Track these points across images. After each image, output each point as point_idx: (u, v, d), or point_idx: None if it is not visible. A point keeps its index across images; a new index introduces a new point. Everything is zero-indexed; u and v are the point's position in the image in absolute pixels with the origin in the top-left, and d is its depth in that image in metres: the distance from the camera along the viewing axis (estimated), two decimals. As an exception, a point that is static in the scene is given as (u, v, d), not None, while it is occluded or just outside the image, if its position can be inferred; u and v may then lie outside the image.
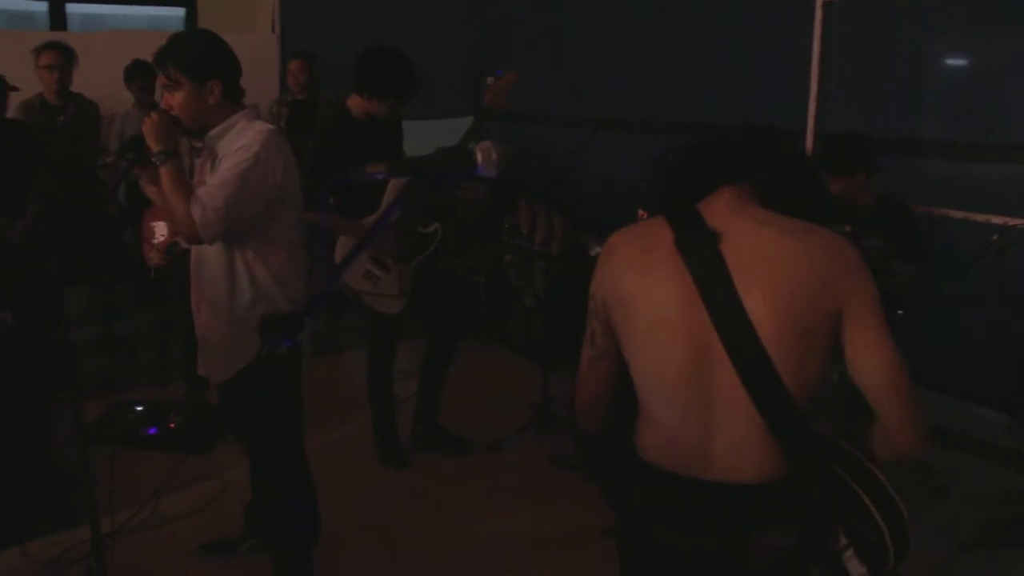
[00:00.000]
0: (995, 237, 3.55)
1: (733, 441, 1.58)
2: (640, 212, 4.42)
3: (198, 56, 2.65)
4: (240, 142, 2.66)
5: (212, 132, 2.74)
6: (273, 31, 7.31)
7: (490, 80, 4.00)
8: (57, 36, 5.84)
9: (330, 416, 4.56)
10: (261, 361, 2.60)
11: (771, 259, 1.54)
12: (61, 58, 5.04)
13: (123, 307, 5.76)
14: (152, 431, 4.34)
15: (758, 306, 1.52)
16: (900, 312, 3.70)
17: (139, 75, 5.70)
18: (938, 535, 3.53)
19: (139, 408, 4.53)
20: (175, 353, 5.03)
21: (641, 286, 1.59)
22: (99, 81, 5.74)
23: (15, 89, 4.66)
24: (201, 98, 2.66)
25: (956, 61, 4.47)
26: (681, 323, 1.56)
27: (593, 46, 6.00)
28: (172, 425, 4.38)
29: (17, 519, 3.49)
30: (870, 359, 1.55)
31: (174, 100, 2.67)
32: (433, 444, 4.33)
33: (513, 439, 4.42)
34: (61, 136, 5.14)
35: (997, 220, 4.12)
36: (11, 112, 5.00)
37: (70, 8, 7.46)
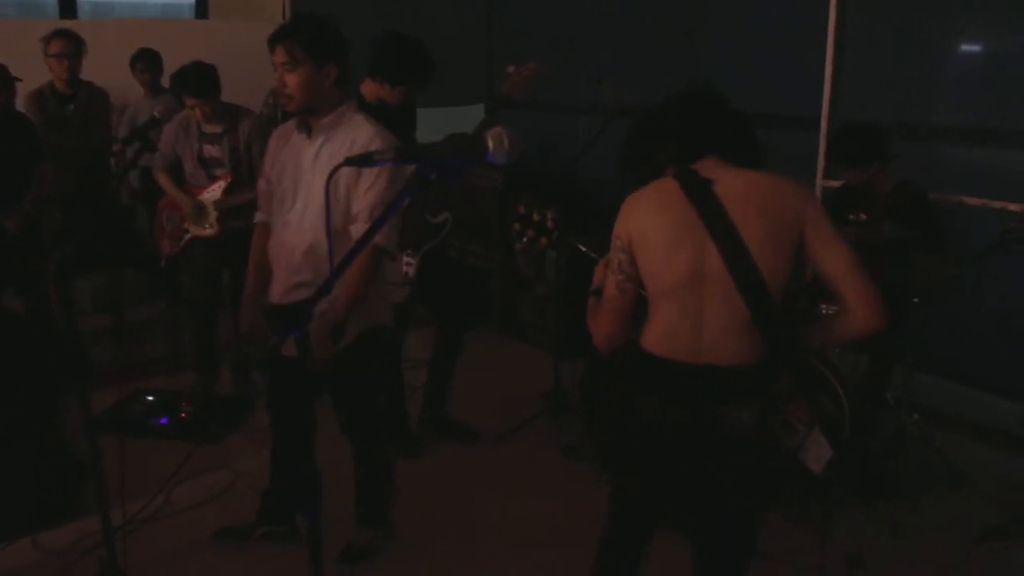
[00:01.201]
0: (1012, 225, 3.50)
1: (719, 330, 2.08)
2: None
3: (322, 38, 2.72)
4: (362, 136, 2.78)
5: (324, 120, 2.81)
6: (284, 18, 7.28)
7: (511, 69, 3.97)
8: (67, 24, 5.82)
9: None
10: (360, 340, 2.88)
11: (752, 193, 2.07)
12: (70, 46, 5.02)
13: (133, 296, 5.76)
14: (163, 420, 4.34)
15: (746, 227, 2.03)
16: (916, 300, 3.66)
17: (143, 60, 5.72)
18: (955, 525, 3.51)
19: (150, 397, 4.54)
20: (185, 342, 5.02)
21: (658, 220, 2.10)
22: (109, 69, 5.72)
23: (18, 80, 4.64)
24: (318, 80, 2.74)
25: (971, 46, 4.40)
26: (686, 242, 2.07)
27: (608, 33, 5.95)
28: (183, 415, 4.38)
29: (27, 509, 3.48)
30: (830, 252, 2.04)
31: (291, 79, 2.72)
32: (440, 433, 4.31)
33: (524, 428, 4.39)
34: (71, 125, 5.12)
35: (1014, 207, 4.07)
36: (21, 101, 4.99)
37: (80, -5, 7.44)
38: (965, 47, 4.42)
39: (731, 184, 2.09)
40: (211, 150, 4.38)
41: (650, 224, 2.11)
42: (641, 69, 5.67)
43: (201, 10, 7.85)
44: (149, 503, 3.58)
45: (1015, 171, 4.23)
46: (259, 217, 3.14)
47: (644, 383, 2.20)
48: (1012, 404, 4.25)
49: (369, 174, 2.78)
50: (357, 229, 2.81)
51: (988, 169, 4.34)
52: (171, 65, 5.81)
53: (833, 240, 2.05)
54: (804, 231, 2.05)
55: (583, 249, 2.61)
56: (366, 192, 2.80)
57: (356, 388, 3.11)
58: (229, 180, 4.38)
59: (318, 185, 2.80)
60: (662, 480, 2.29)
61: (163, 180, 4.48)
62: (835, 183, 4.55)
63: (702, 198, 2.06)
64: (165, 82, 5.91)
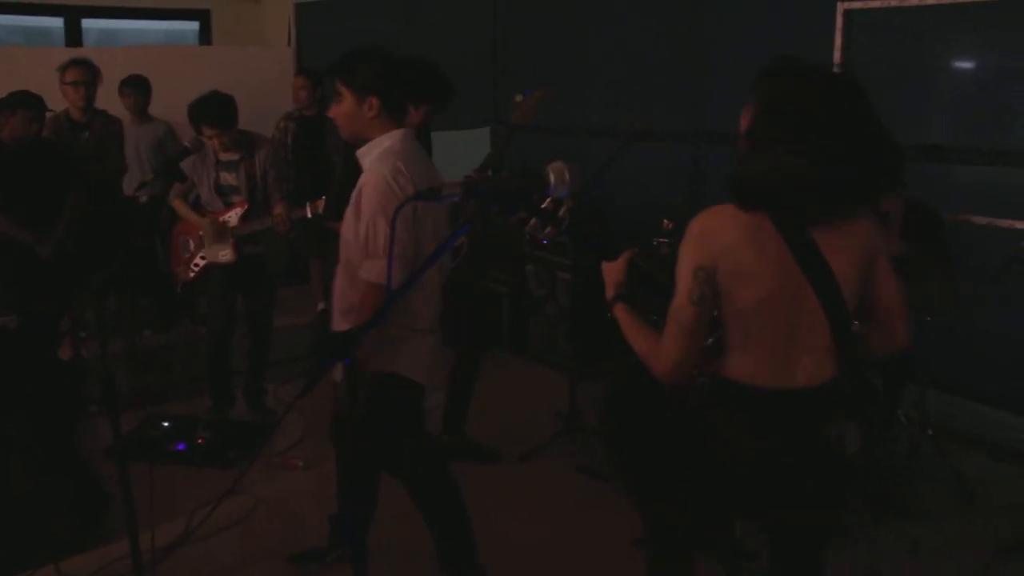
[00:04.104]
0: (1023, 244, 3.56)
1: (814, 355, 2.13)
2: (665, 223, 4.44)
3: (360, 73, 2.82)
4: (370, 175, 2.83)
5: (361, 150, 2.89)
6: (289, 44, 7.34)
7: (519, 97, 4.03)
8: (73, 52, 5.87)
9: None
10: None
11: (841, 227, 2.06)
12: (87, 75, 5.08)
13: (146, 322, 5.78)
14: (180, 447, 4.35)
15: (839, 267, 2.05)
16: (929, 319, 3.72)
17: (131, 84, 5.82)
18: (970, 541, 3.54)
19: (165, 424, 4.54)
20: (199, 368, 5.05)
21: (759, 259, 2.04)
22: (116, 97, 5.77)
23: (51, 111, 4.71)
24: (360, 112, 2.83)
25: (976, 67, 4.46)
26: (785, 283, 2.05)
27: (616, 56, 6.00)
28: (200, 440, 4.39)
29: (51, 537, 3.47)
30: (890, 282, 2.16)
31: (337, 111, 2.87)
32: (460, 454, 4.32)
33: (542, 449, 4.42)
34: (86, 152, 5.15)
35: (1022, 226, 4.13)
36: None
37: (86, 24, 7.50)
38: (970, 66, 4.48)
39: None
40: (227, 178, 4.42)
41: (751, 260, 2.06)
42: (648, 91, 5.73)
43: (205, 37, 7.93)
44: (185, 534, 3.59)
45: (1022, 190, 4.29)
46: None
47: (739, 413, 2.18)
48: (1021, 420, 4.30)
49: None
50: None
51: (994, 188, 4.40)
52: (177, 92, 5.87)
53: (892, 271, 2.17)
54: (874, 263, 2.14)
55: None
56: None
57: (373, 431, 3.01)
58: (245, 207, 4.42)
59: (349, 217, 2.91)
60: (745, 507, 2.32)
61: (178, 205, 4.51)
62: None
63: (796, 239, 2.04)
64: (153, 110, 5.97)
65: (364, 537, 2.02)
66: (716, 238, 2.07)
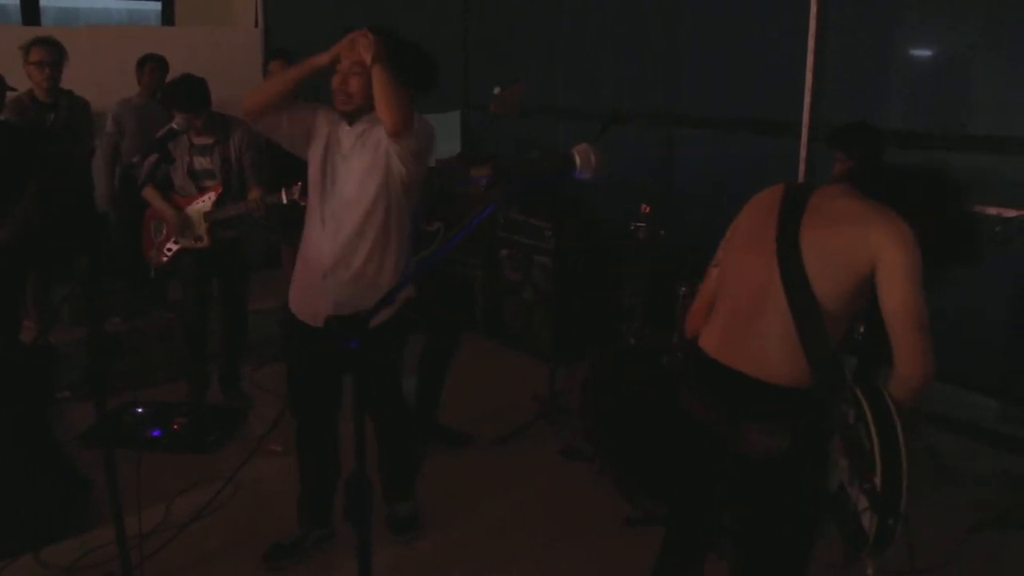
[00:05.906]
0: (997, 228, 3.63)
1: (764, 343, 2.06)
2: (643, 207, 4.46)
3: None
4: None
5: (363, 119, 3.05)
6: (256, 25, 7.21)
7: (497, 89, 4.06)
8: (32, 31, 5.71)
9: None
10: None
11: (835, 218, 2.01)
12: (52, 54, 4.92)
13: (115, 307, 5.67)
14: (156, 433, 4.29)
15: (809, 246, 1.99)
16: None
17: (154, 60, 5.71)
18: (947, 516, 3.62)
19: (139, 410, 4.48)
20: (170, 353, 4.98)
21: (748, 221, 2.17)
22: (79, 77, 5.62)
23: (13, 90, 4.57)
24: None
25: (951, 52, 4.53)
26: (757, 248, 2.08)
27: (587, 38, 6.00)
28: (175, 427, 4.34)
29: (30, 525, 3.42)
30: (891, 298, 1.92)
31: (354, 82, 3.03)
32: (432, 439, 4.32)
33: (519, 432, 4.43)
34: (53, 134, 5.02)
35: (992, 211, 4.21)
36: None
37: (44, 1, 7.29)
38: (943, 53, 4.55)
39: (825, 203, 2.06)
40: (202, 162, 4.34)
41: (742, 223, 2.21)
42: (620, 74, 5.74)
43: (168, 17, 7.76)
44: (164, 518, 3.59)
45: (989, 175, 4.38)
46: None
47: (689, 377, 2.24)
48: (991, 401, 4.41)
49: None
50: None
51: (963, 173, 4.47)
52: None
53: (897, 285, 1.93)
54: (877, 267, 1.95)
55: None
56: None
57: (391, 367, 3.32)
58: (219, 191, 4.35)
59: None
60: (683, 477, 2.35)
61: (149, 193, 4.41)
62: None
63: (789, 206, 2.07)
64: (116, 91, 5.82)
65: (368, 521, 2.00)
66: (748, 206, 2.24)
